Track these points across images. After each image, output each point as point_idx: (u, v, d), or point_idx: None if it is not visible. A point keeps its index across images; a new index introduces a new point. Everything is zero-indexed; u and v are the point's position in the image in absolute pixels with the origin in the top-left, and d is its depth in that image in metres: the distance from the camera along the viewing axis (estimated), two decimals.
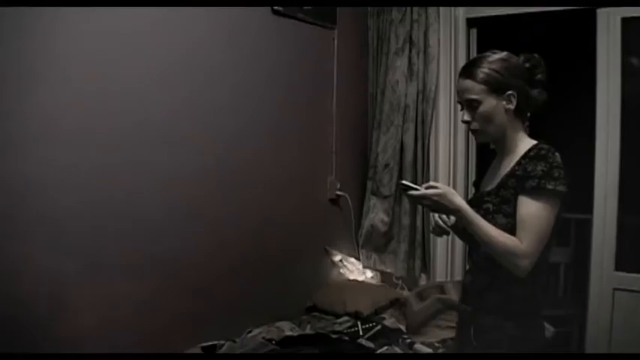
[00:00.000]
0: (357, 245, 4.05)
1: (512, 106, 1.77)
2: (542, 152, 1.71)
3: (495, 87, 1.75)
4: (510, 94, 1.76)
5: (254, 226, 3.27)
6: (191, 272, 2.92)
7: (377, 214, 3.96)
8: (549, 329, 2.61)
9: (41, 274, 2.33)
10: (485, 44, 3.74)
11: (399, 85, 3.86)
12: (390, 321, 3.32)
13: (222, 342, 2.89)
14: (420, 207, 3.81)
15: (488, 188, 1.85)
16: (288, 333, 3.08)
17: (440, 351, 2.94)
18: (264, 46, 3.31)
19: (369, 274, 3.97)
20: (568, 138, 2.97)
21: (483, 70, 1.76)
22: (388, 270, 3.98)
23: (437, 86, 3.78)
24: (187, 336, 2.85)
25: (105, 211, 2.56)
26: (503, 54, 1.80)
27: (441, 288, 3.45)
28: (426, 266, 3.89)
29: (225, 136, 3.10)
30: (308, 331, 3.17)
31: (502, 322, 1.78)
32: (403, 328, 3.27)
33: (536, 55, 1.83)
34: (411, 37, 3.82)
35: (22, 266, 2.28)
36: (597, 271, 3.23)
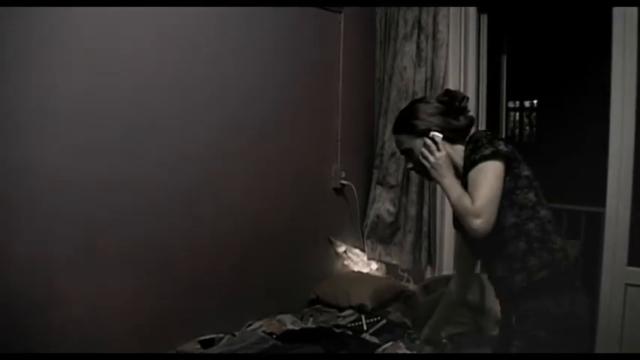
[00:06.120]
0: (362, 236, 3.96)
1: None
2: (471, 140, 1.90)
3: (419, 132, 1.99)
4: (435, 132, 1.96)
5: (256, 215, 3.20)
6: (190, 262, 2.87)
7: (383, 204, 3.87)
8: None
9: (32, 262, 2.29)
10: (496, 30, 3.64)
11: (407, 71, 3.75)
12: (395, 315, 3.25)
13: (220, 335, 2.83)
14: (427, 198, 3.72)
15: None
16: (290, 327, 3.02)
17: (448, 347, 2.86)
18: (268, 30, 3.22)
19: (374, 265, 3.90)
20: (582, 129, 2.88)
21: (405, 122, 2.04)
22: (394, 262, 3.89)
23: (445, 73, 3.66)
24: (185, 328, 2.80)
25: (100, 198, 2.51)
26: (420, 99, 2.12)
27: (449, 281, 3.37)
28: (433, 258, 3.81)
29: (228, 122, 3.04)
30: (310, 324, 3.10)
31: (543, 303, 1.81)
32: (409, 322, 3.19)
33: (450, 88, 2.12)
34: (419, 22, 3.70)
35: (12, 253, 2.24)
36: (609, 265, 3.14)
